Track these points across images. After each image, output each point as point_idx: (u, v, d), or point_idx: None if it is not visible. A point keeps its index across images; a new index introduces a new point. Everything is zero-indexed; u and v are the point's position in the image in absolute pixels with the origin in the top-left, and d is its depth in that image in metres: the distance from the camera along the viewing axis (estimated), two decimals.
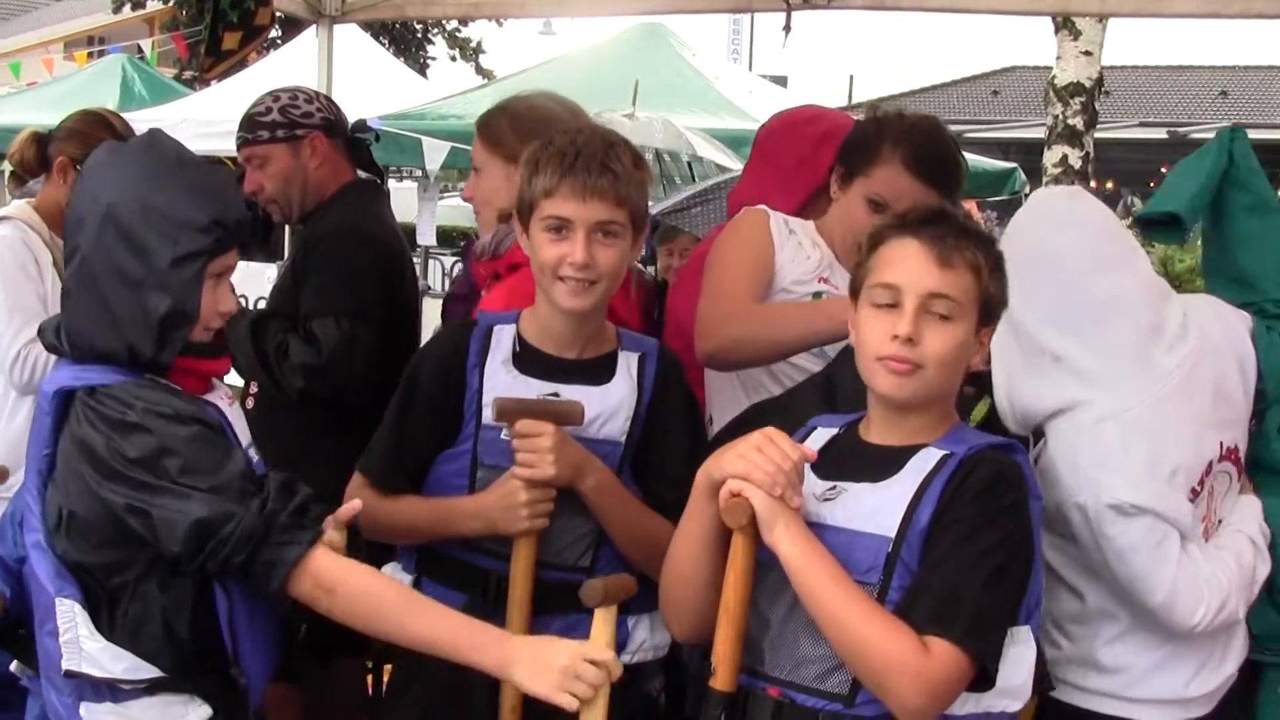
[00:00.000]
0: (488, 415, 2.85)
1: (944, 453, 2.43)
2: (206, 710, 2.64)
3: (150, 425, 2.51)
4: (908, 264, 2.46)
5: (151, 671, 2.59)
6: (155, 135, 2.75)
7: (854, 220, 3.35)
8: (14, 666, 3.12)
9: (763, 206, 3.54)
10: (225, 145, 12.00)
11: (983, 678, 2.31)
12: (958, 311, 2.44)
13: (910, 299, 2.43)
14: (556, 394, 2.85)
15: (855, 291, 2.56)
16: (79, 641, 2.58)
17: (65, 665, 2.59)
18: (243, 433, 2.79)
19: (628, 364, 2.93)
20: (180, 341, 2.61)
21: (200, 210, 2.60)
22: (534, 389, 2.85)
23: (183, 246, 2.57)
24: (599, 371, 2.91)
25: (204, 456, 2.52)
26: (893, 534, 2.36)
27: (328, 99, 4.26)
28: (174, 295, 2.58)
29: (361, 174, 4.22)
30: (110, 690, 2.60)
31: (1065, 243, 2.97)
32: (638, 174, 2.87)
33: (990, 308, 2.50)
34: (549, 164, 2.82)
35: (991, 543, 2.32)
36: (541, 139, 2.93)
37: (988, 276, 2.48)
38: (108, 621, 2.59)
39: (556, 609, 2.85)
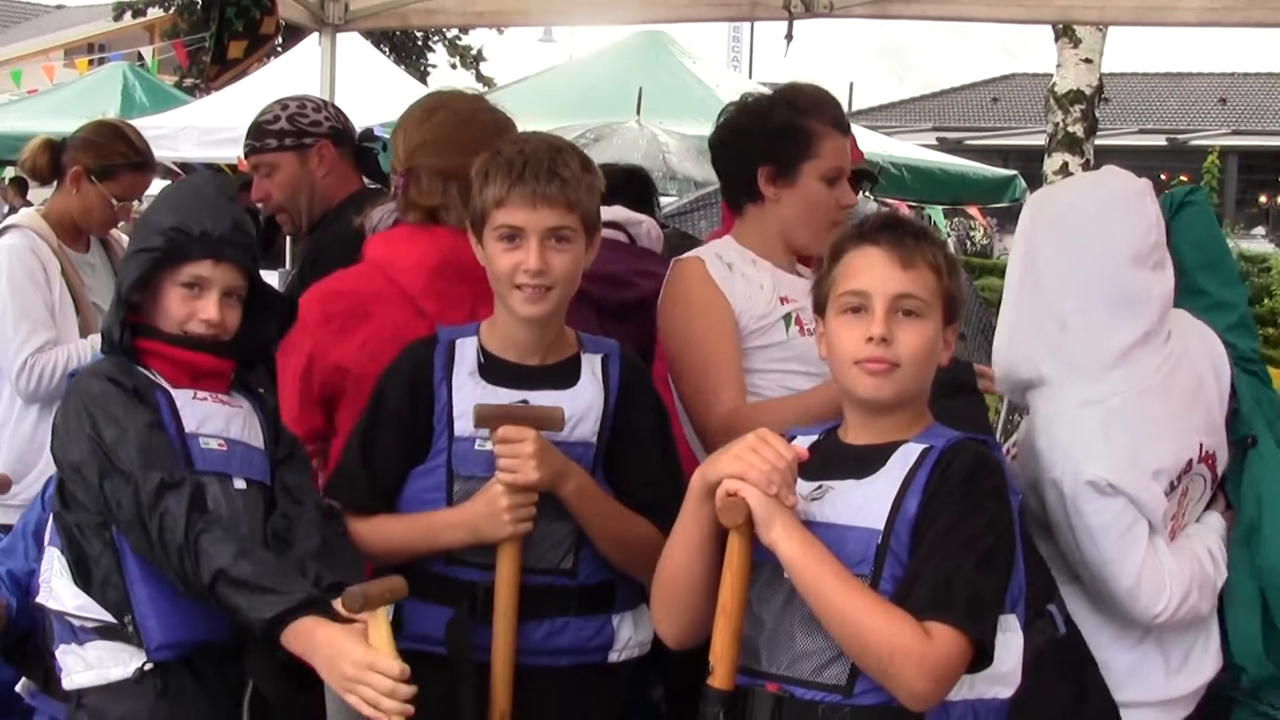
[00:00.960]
0: (459, 427, 2.87)
1: (924, 446, 2.49)
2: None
3: (83, 382, 2.77)
4: (872, 270, 2.52)
5: (100, 614, 2.72)
6: (202, 173, 3.00)
7: (819, 205, 3.36)
8: (20, 686, 3.16)
9: (694, 255, 3.40)
10: (226, 153, 12.01)
11: (980, 657, 2.38)
12: (925, 309, 2.52)
13: (879, 301, 2.50)
14: (525, 401, 2.88)
15: (820, 306, 2.62)
16: (50, 581, 2.78)
17: (38, 599, 2.81)
18: (250, 433, 2.88)
19: (591, 366, 2.96)
20: (123, 319, 2.81)
21: (166, 217, 2.82)
22: (502, 398, 2.88)
23: (141, 242, 2.82)
24: (564, 376, 2.94)
25: (109, 409, 2.72)
26: (881, 526, 2.42)
27: (336, 108, 4.28)
28: (125, 279, 2.82)
29: (369, 183, 4.25)
30: (73, 631, 2.76)
31: (1119, 229, 3.05)
32: (586, 178, 2.91)
33: (952, 306, 2.57)
34: (497, 174, 2.86)
35: (979, 527, 2.39)
36: (489, 150, 2.96)
37: (947, 275, 2.55)
38: (84, 574, 2.74)
39: (541, 613, 2.88)
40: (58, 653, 2.80)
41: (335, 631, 2.54)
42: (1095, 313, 2.99)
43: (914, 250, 2.53)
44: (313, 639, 2.55)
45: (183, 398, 2.81)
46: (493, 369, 2.92)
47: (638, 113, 9.40)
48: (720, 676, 2.45)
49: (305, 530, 2.79)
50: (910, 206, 12.24)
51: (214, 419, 2.83)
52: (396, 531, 2.92)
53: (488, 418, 2.82)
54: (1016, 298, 3.09)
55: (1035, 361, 3.03)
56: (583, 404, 2.91)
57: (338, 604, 2.56)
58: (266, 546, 2.75)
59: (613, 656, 2.94)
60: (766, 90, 3.54)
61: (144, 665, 2.70)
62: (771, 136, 3.39)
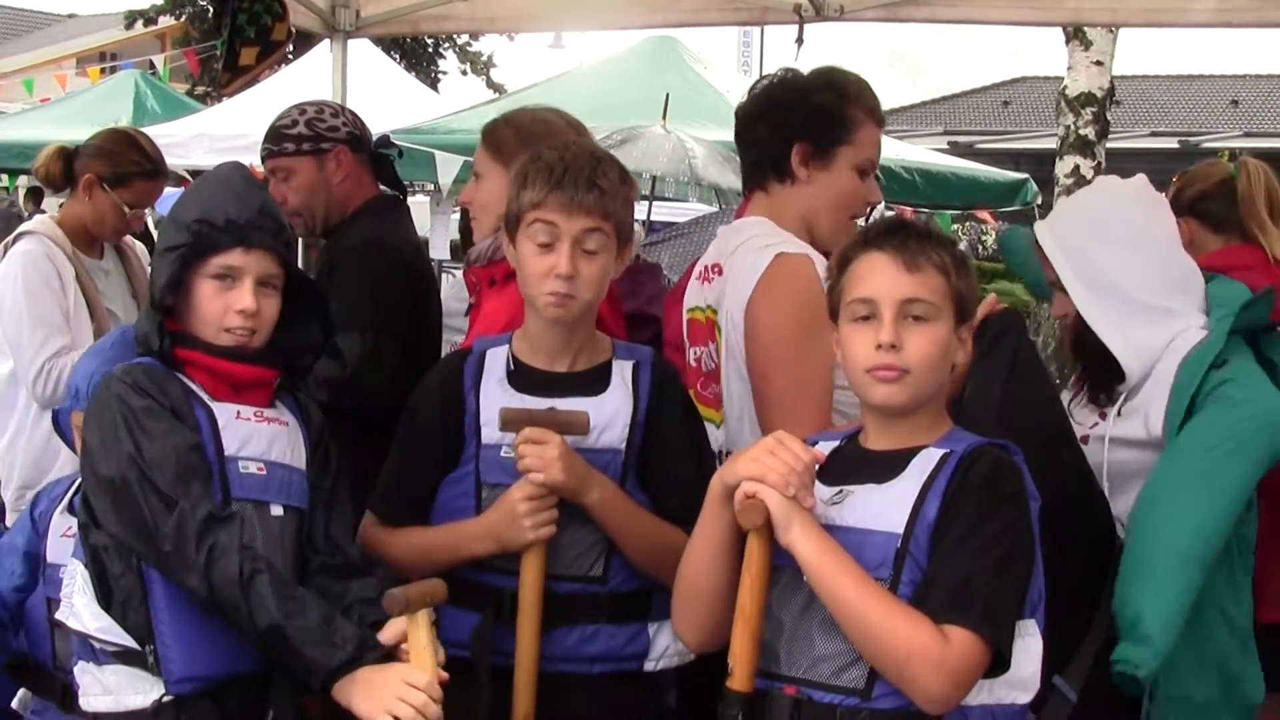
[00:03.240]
0: (487, 435, 2.89)
1: (944, 451, 2.49)
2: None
3: (117, 389, 2.69)
4: (878, 276, 2.53)
5: (122, 638, 2.66)
6: (228, 163, 2.95)
7: (848, 194, 3.31)
8: (15, 702, 3.15)
9: (799, 253, 3.16)
10: (238, 160, 12.04)
11: (998, 662, 2.38)
12: (933, 313, 2.51)
13: (887, 308, 2.50)
14: (553, 408, 2.88)
15: (834, 314, 2.62)
16: (71, 597, 2.72)
17: (56, 615, 2.77)
18: (292, 454, 2.85)
19: (622, 373, 2.97)
20: (160, 325, 2.76)
21: (191, 210, 2.79)
22: (530, 405, 2.89)
23: (167, 241, 2.79)
24: (593, 382, 2.95)
25: (149, 426, 2.66)
26: (901, 530, 2.42)
27: (354, 114, 4.30)
28: (156, 282, 2.78)
29: (384, 189, 4.26)
30: (92, 651, 2.71)
31: (1159, 220, 3.35)
32: (623, 189, 2.94)
33: (964, 305, 2.57)
34: (537, 177, 2.88)
35: (997, 531, 2.39)
36: (530, 153, 2.98)
37: (955, 275, 2.55)
38: (106, 594, 2.68)
39: (573, 619, 2.88)
40: (75, 670, 2.75)
41: (371, 669, 2.58)
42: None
43: (919, 253, 2.53)
44: (352, 682, 2.58)
45: (225, 416, 2.76)
46: (521, 376, 2.94)
47: (664, 118, 9.39)
48: (739, 679, 2.45)
49: (358, 589, 2.78)
50: (915, 212, 12.20)
51: (256, 441, 2.78)
52: (425, 544, 2.94)
53: (512, 420, 2.84)
54: (1105, 308, 3.22)
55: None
56: (610, 410, 2.91)
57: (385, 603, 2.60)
58: (300, 578, 2.74)
59: (649, 665, 2.94)
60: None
61: (162, 697, 2.65)
62: (812, 114, 3.30)
